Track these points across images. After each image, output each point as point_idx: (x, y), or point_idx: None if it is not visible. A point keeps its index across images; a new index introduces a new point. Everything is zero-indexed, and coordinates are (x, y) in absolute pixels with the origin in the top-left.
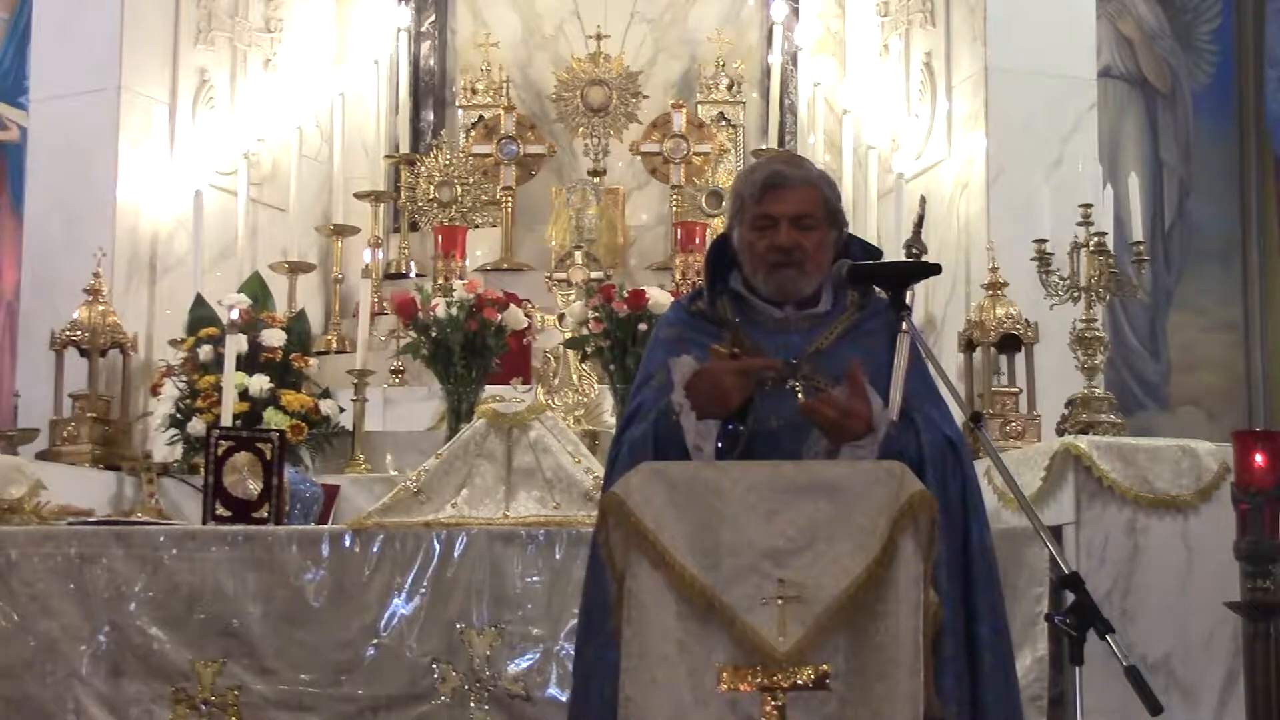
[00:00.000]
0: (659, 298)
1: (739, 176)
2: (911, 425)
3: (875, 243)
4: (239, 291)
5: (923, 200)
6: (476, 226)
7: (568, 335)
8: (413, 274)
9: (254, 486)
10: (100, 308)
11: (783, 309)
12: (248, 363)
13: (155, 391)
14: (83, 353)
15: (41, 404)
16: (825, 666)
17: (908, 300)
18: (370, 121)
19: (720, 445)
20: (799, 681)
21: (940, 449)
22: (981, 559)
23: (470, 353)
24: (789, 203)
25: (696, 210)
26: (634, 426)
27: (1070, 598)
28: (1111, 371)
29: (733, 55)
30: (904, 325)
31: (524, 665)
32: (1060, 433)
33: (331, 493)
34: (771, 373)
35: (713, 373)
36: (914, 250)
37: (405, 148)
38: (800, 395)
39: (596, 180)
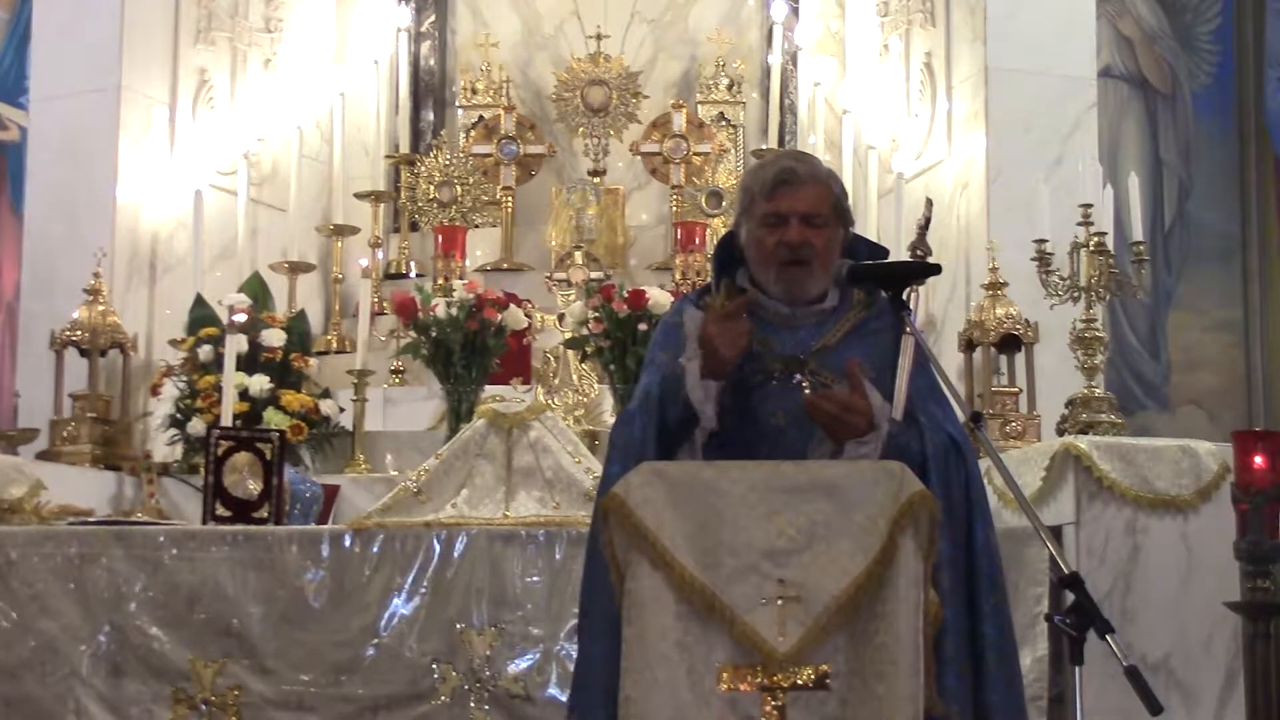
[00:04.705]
0: (659, 298)
1: (748, 173)
2: (915, 424)
3: None
4: (239, 291)
5: (929, 202)
6: (476, 226)
7: (568, 335)
8: (413, 274)
9: (254, 486)
10: (100, 308)
11: (789, 305)
12: (248, 363)
13: (155, 391)
14: (83, 353)
15: (41, 404)
16: (825, 666)
17: (910, 300)
18: (370, 121)
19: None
20: (799, 681)
21: (944, 448)
22: (986, 559)
23: (470, 353)
24: (799, 200)
25: (696, 210)
26: (634, 400)
27: (1070, 598)
28: (1111, 371)
29: (733, 55)
30: (907, 326)
31: (524, 665)
32: (1060, 433)
33: (331, 493)
34: (748, 304)
35: (703, 326)
36: (919, 251)
37: (405, 148)
38: (806, 391)
39: (596, 180)
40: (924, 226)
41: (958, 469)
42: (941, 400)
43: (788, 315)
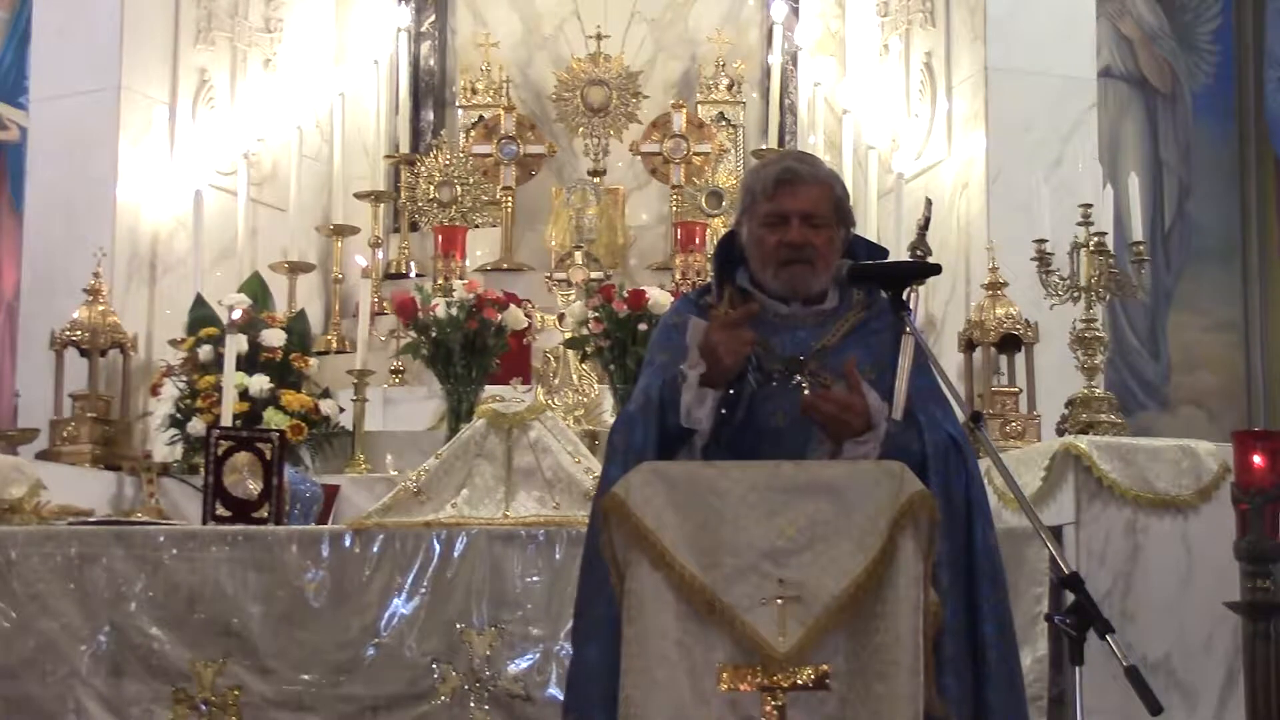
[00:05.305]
0: (659, 298)
1: (749, 172)
2: (915, 424)
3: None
4: (239, 291)
5: (928, 203)
6: (476, 226)
7: (568, 335)
8: (413, 274)
9: (254, 486)
10: (100, 308)
11: (789, 305)
12: (248, 363)
13: (155, 391)
14: (83, 353)
15: (41, 404)
16: (825, 666)
17: (910, 301)
18: (370, 121)
19: (723, 411)
20: (799, 681)
21: (944, 447)
22: (986, 558)
23: (470, 353)
24: (801, 199)
25: (696, 210)
26: (633, 401)
27: (1070, 598)
28: (1111, 371)
29: (733, 55)
30: (906, 326)
31: (524, 665)
32: (1060, 433)
33: (331, 493)
34: (752, 316)
35: (704, 332)
36: (919, 252)
37: (405, 148)
38: (806, 392)
39: (596, 180)
40: (924, 227)
41: (957, 469)
42: (941, 401)
43: (787, 315)
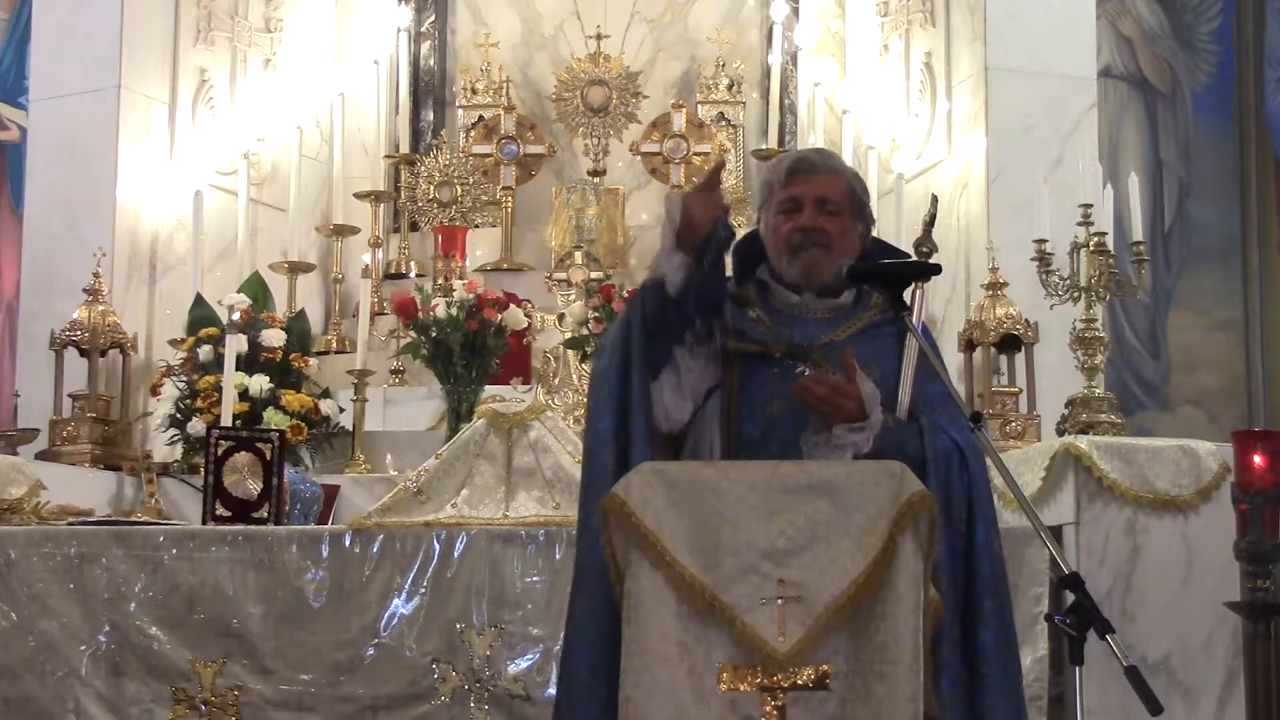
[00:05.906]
0: None
1: (768, 166)
2: (916, 425)
3: None
4: (239, 291)
5: (934, 199)
6: (476, 226)
7: (568, 335)
8: (413, 274)
9: (254, 486)
10: (100, 308)
11: (801, 295)
12: (248, 363)
13: (155, 391)
14: (83, 353)
15: (41, 404)
16: (825, 666)
17: (915, 301)
18: (370, 121)
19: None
20: (799, 681)
21: (945, 453)
22: (987, 565)
23: (470, 353)
24: (814, 186)
25: None
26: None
27: (1070, 598)
28: (1111, 371)
29: (733, 55)
30: (908, 327)
31: (524, 665)
32: (1060, 433)
33: (331, 493)
34: (721, 169)
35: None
36: (924, 250)
37: (405, 148)
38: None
39: (596, 180)
40: (929, 223)
41: (959, 474)
42: (950, 408)
43: (797, 304)
